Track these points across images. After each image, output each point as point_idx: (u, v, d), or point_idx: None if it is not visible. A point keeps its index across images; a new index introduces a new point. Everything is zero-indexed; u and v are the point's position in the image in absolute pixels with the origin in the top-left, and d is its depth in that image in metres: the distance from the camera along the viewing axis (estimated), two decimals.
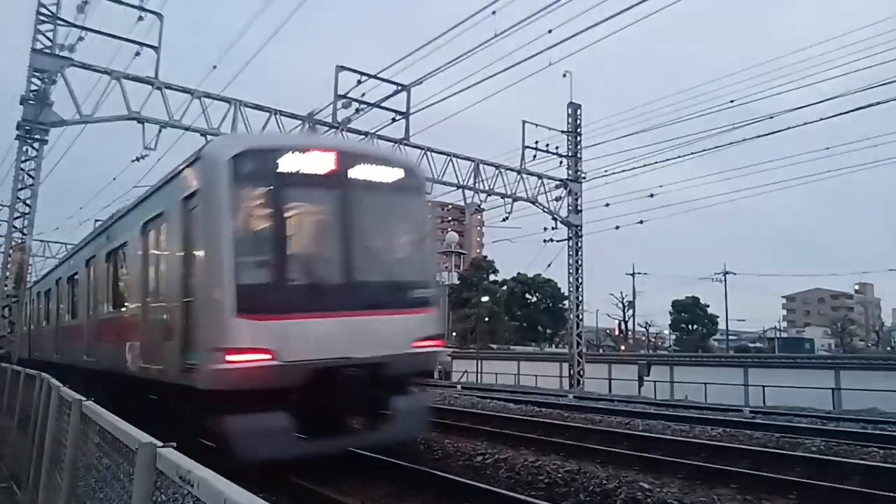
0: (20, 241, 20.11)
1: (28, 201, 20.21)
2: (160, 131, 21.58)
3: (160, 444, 2.42)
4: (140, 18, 20.10)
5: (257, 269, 8.51)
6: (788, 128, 23.00)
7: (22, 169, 20.13)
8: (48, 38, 20.15)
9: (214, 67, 19.89)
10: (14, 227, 20.12)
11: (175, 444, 2.41)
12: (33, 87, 20.03)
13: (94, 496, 3.84)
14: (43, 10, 20.07)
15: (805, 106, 22.25)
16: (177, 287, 9.03)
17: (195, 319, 8.36)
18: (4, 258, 20.45)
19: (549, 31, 17.44)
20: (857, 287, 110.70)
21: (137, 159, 22.15)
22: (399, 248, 10.24)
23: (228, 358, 7.68)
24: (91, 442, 4.05)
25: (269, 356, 7.81)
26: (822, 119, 22.16)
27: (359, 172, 9.18)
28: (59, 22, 20.22)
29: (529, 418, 15.66)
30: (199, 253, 8.57)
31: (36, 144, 20.25)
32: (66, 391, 5.39)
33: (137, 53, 20.66)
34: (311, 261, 8.90)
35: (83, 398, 4.48)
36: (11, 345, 19.77)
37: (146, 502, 2.38)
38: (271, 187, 8.63)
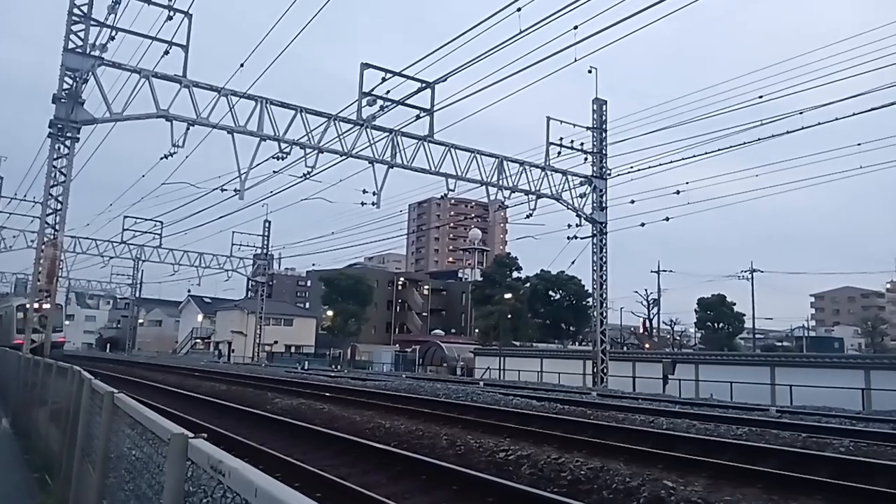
0: (52, 236, 20.54)
1: (60, 198, 20.63)
2: (188, 129, 21.92)
3: (191, 434, 2.48)
4: (169, 18, 20.38)
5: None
6: (818, 123, 22.61)
7: (54, 166, 20.55)
8: (80, 38, 20.54)
9: (241, 66, 20.08)
10: (46, 223, 20.56)
11: (206, 435, 2.47)
12: (65, 86, 20.43)
13: (125, 487, 3.92)
14: (75, 11, 20.44)
15: (836, 101, 21.90)
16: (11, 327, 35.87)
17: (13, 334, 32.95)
18: (37, 254, 20.90)
19: (575, 28, 17.35)
20: (888, 286, 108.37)
21: (166, 156, 22.52)
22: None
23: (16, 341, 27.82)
24: (122, 433, 4.15)
25: (21, 342, 22.74)
26: (853, 115, 21.76)
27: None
28: (91, 22, 20.58)
29: (552, 415, 15.63)
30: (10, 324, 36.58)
31: (68, 142, 20.66)
32: (98, 383, 5.50)
33: (166, 52, 20.97)
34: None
35: (115, 390, 4.59)
36: (44, 338, 20.22)
37: (178, 492, 2.44)
38: (21, 314, 31.29)
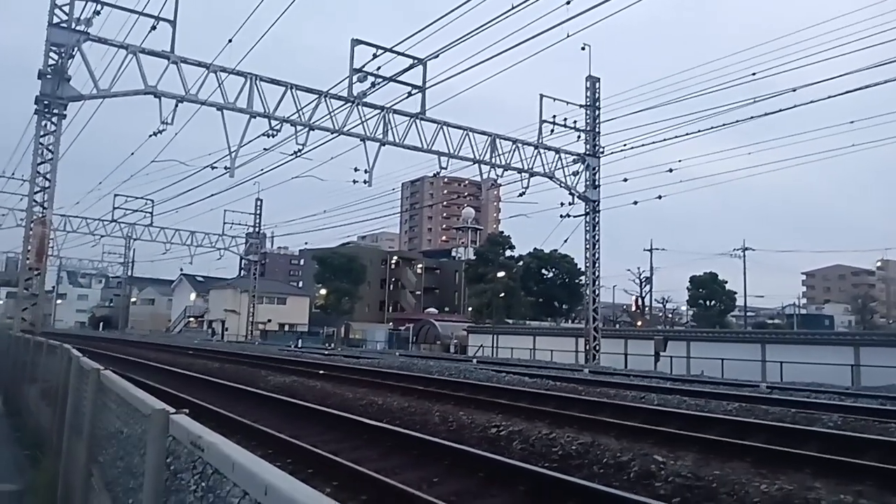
0: (41, 214, 20.35)
1: (48, 175, 20.42)
2: (176, 106, 21.66)
3: (172, 410, 2.44)
4: None
5: None
6: (811, 101, 22.53)
7: (41, 143, 20.31)
8: (65, 12, 20.19)
9: (230, 41, 19.83)
10: (35, 201, 20.36)
11: (187, 411, 2.44)
12: (51, 62, 20.12)
13: (116, 464, 3.90)
14: None
15: (829, 79, 21.79)
16: None
17: None
18: (26, 232, 20.73)
19: (567, 3, 17.16)
20: (879, 264, 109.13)
21: (155, 134, 22.29)
22: None
23: None
24: (109, 409, 4.11)
25: None
26: (846, 92, 21.68)
27: None
28: None
29: (544, 392, 15.72)
30: None
31: (54, 119, 20.39)
32: (86, 361, 5.46)
33: (153, 27, 20.65)
34: None
35: (100, 367, 4.55)
36: (34, 316, 20.12)
37: (160, 467, 2.41)
38: None
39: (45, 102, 20.17)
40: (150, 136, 22.43)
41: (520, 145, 28.52)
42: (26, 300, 20.53)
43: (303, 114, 23.58)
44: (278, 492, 1.42)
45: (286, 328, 73.40)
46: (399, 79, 23.78)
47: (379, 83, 23.63)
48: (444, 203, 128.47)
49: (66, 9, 20.18)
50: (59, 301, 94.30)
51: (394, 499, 6.56)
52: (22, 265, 21.61)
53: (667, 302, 75.66)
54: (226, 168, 23.27)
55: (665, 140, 26.67)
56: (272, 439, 9.33)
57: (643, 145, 27.82)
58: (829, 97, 22.17)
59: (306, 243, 72.35)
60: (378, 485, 6.95)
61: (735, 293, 66.47)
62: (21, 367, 11.97)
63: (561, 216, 31.22)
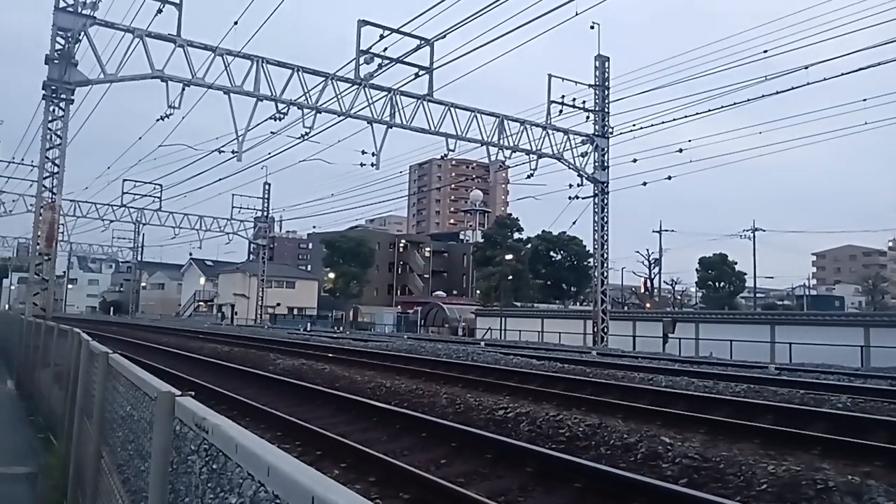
0: (50, 200, 20.45)
1: (56, 161, 20.49)
2: (183, 90, 21.65)
3: (178, 392, 2.45)
4: None
5: None
6: (824, 79, 22.25)
7: (49, 129, 20.36)
8: None
9: (235, 24, 19.75)
10: (44, 186, 20.46)
11: (193, 393, 2.44)
12: (57, 47, 20.11)
13: (124, 447, 3.94)
14: None
15: (841, 56, 21.49)
16: None
17: None
18: (36, 217, 20.85)
19: None
20: (890, 244, 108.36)
21: (162, 118, 22.28)
22: None
23: None
24: (117, 392, 4.14)
25: None
26: (859, 69, 21.39)
27: None
28: None
29: (551, 374, 15.76)
30: None
31: (62, 104, 20.42)
32: (95, 345, 5.51)
33: (159, 10, 20.58)
34: None
35: (109, 351, 4.58)
36: (45, 301, 20.30)
37: (166, 449, 2.42)
38: None
39: (53, 87, 20.19)
40: (158, 120, 22.45)
41: (528, 126, 28.36)
42: (37, 285, 20.70)
43: (310, 96, 23.52)
44: (280, 473, 1.42)
45: (295, 312, 73.72)
46: (406, 60, 23.62)
47: (386, 65, 23.49)
48: (452, 186, 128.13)
49: None
50: (69, 286, 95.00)
51: (402, 480, 6.60)
52: (32, 250, 21.78)
53: (676, 283, 75.49)
54: (233, 152, 23.29)
55: (675, 120, 26.47)
56: (282, 422, 9.40)
57: (652, 126, 27.62)
58: (842, 74, 21.90)
59: (314, 227, 72.26)
60: (387, 466, 7.01)
61: (745, 274, 66.12)
62: (33, 351, 12.09)
63: (569, 198, 31.15)
